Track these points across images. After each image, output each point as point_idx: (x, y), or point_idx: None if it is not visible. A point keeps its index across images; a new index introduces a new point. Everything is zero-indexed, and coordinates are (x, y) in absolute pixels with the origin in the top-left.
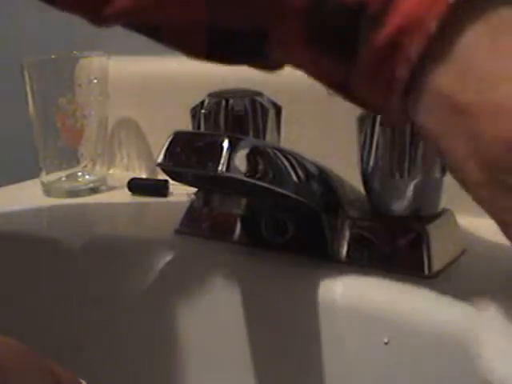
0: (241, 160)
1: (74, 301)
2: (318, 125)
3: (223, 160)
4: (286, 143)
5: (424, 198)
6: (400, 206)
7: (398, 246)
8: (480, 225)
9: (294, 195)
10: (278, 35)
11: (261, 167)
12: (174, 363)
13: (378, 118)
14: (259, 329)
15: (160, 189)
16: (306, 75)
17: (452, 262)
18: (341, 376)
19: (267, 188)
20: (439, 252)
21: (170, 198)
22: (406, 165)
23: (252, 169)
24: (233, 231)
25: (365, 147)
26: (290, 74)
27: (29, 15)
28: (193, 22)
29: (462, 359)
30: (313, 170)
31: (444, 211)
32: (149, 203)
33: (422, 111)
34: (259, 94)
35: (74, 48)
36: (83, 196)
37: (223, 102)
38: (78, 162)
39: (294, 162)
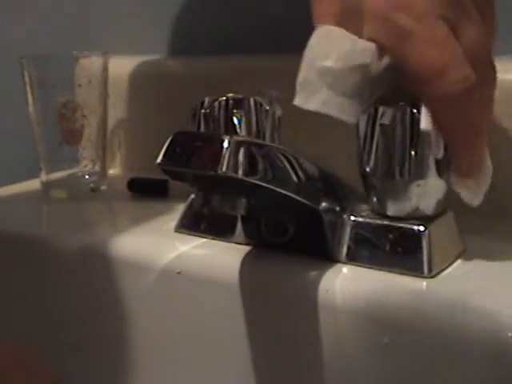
0: (241, 160)
1: (72, 301)
2: (317, 125)
3: (223, 160)
4: (286, 143)
5: (424, 199)
6: (400, 206)
7: (397, 246)
8: (480, 225)
9: (294, 195)
10: None
11: (261, 167)
12: (172, 363)
13: (378, 118)
14: (259, 329)
15: (160, 189)
16: None
17: (452, 262)
18: (341, 376)
19: (267, 188)
20: (439, 252)
21: (169, 198)
22: (406, 165)
23: (252, 169)
24: (233, 231)
25: (365, 147)
26: (290, 74)
27: (29, 15)
28: None
29: (461, 358)
30: (313, 170)
31: (444, 211)
32: (149, 203)
33: None
34: (259, 93)
35: (74, 48)
36: (83, 196)
37: (223, 102)
38: (78, 162)
39: (293, 162)
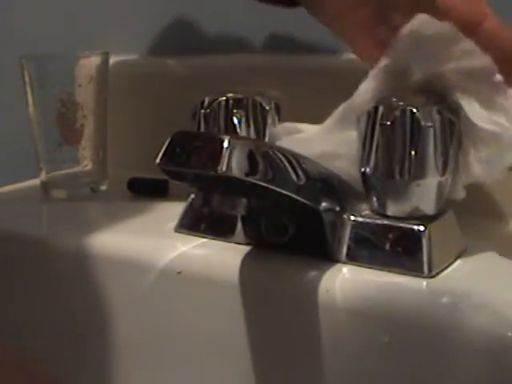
0: (241, 160)
1: (73, 301)
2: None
3: (223, 160)
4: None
5: (424, 198)
6: (400, 206)
7: (397, 245)
8: (480, 225)
9: (294, 195)
10: None
11: (261, 167)
12: (173, 362)
13: (378, 118)
14: (259, 328)
15: (160, 189)
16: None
17: (452, 262)
18: (341, 376)
19: (267, 188)
20: (439, 252)
21: (169, 198)
22: (406, 165)
23: (252, 169)
24: (233, 231)
25: (365, 147)
26: (290, 74)
27: (29, 15)
28: None
29: (461, 358)
30: (313, 170)
31: (444, 211)
32: (149, 203)
33: None
34: (259, 93)
35: (74, 48)
36: (83, 196)
37: (223, 102)
38: (78, 162)
39: (293, 162)
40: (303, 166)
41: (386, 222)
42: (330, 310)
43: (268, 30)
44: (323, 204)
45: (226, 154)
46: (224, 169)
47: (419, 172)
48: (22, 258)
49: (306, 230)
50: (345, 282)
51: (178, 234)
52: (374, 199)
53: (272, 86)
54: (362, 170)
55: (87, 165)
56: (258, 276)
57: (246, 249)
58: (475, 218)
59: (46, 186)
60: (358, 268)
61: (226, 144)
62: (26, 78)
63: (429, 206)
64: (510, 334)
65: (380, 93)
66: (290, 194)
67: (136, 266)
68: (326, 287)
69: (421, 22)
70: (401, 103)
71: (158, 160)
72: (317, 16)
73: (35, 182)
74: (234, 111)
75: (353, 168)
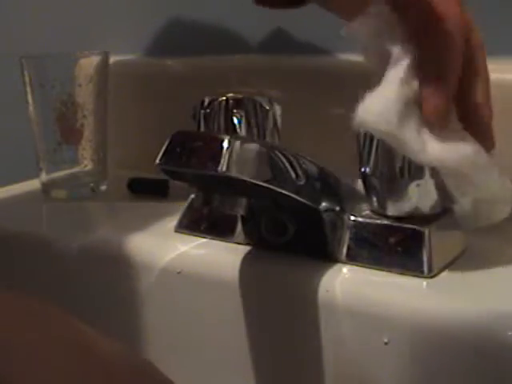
0: (241, 160)
1: (73, 301)
2: (317, 125)
3: (223, 160)
4: (285, 143)
5: (424, 198)
6: (400, 206)
7: (397, 245)
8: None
9: (294, 195)
10: None
11: (261, 167)
12: (173, 362)
13: None
14: (259, 328)
15: (160, 189)
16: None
17: (452, 262)
18: (341, 376)
19: (267, 188)
20: (439, 252)
21: (170, 198)
22: (406, 165)
23: (252, 169)
24: (233, 231)
25: (365, 147)
26: (290, 74)
27: (29, 15)
28: None
29: (461, 358)
30: (313, 170)
31: (444, 211)
32: (149, 203)
33: None
34: (259, 94)
35: (74, 48)
36: (83, 196)
37: (223, 102)
38: (78, 162)
39: (294, 162)
40: (303, 166)
41: (385, 222)
42: (330, 309)
43: (268, 30)
44: (323, 204)
45: (226, 154)
46: (224, 169)
47: (419, 172)
48: (22, 258)
49: (306, 230)
50: (345, 281)
51: (178, 234)
52: (374, 199)
53: (272, 87)
54: (362, 170)
55: (87, 165)
56: (258, 276)
57: (245, 249)
58: None
59: (46, 186)
60: (358, 268)
61: (225, 144)
62: (26, 78)
63: (429, 206)
64: (510, 333)
65: None
66: (289, 194)
67: (136, 266)
68: (326, 287)
69: None
70: None
71: (157, 160)
72: (336, 11)
73: (35, 182)
74: (234, 111)
75: None
